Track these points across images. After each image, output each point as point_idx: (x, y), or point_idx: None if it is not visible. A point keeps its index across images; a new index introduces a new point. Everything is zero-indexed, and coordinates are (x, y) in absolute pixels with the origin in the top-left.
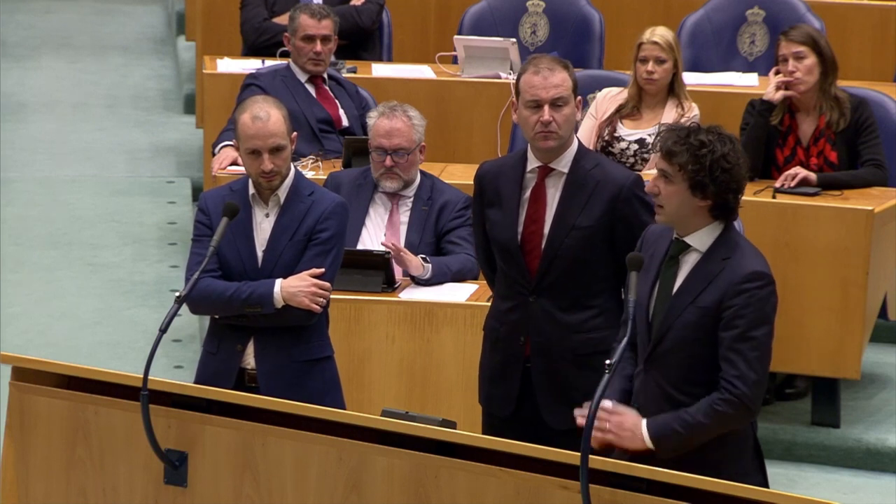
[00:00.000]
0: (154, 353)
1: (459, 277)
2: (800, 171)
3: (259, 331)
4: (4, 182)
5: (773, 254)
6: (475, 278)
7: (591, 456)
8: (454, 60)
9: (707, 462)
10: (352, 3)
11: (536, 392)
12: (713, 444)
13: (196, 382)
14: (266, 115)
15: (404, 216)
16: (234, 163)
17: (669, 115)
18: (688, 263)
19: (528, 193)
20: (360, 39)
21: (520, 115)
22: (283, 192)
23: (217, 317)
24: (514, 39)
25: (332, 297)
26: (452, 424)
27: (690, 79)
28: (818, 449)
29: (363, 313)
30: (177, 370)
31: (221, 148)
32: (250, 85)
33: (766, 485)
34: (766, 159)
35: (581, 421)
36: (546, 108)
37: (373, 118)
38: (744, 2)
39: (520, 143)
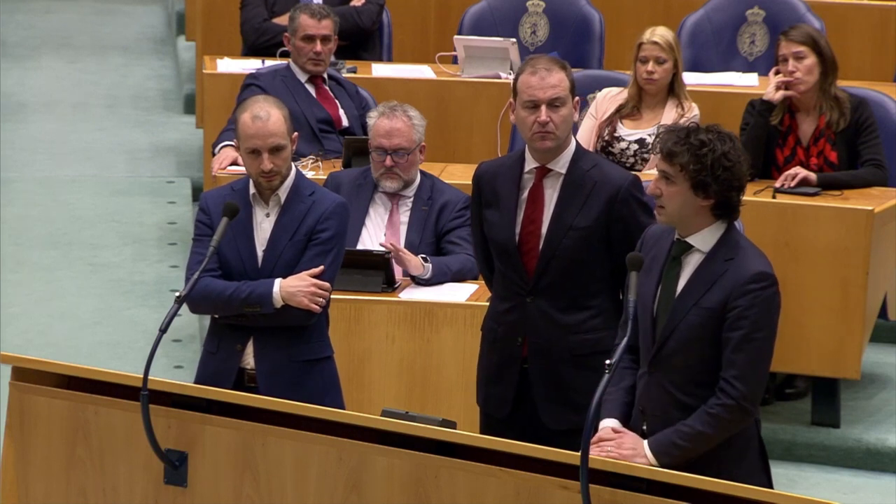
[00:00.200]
0: (154, 353)
1: (459, 277)
2: (800, 171)
3: (258, 330)
4: (4, 182)
5: (773, 254)
6: (475, 278)
7: (590, 456)
8: (454, 60)
9: (711, 463)
10: (352, 3)
11: (534, 393)
12: (717, 444)
13: (196, 382)
14: (266, 115)
15: (404, 216)
16: (234, 163)
17: (669, 115)
18: (690, 264)
19: (525, 194)
20: (360, 40)
21: (517, 116)
22: (283, 192)
23: (217, 316)
24: (514, 39)
25: (332, 297)
26: (452, 424)
27: (690, 79)
28: (818, 449)
29: (363, 313)
30: (177, 370)
31: (221, 148)
32: (250, 85)
33: (769, 486)
34: (766, 159)
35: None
36: (543, 108)
37: (373, 118)
38: (744, 2)
39: (520, 143)
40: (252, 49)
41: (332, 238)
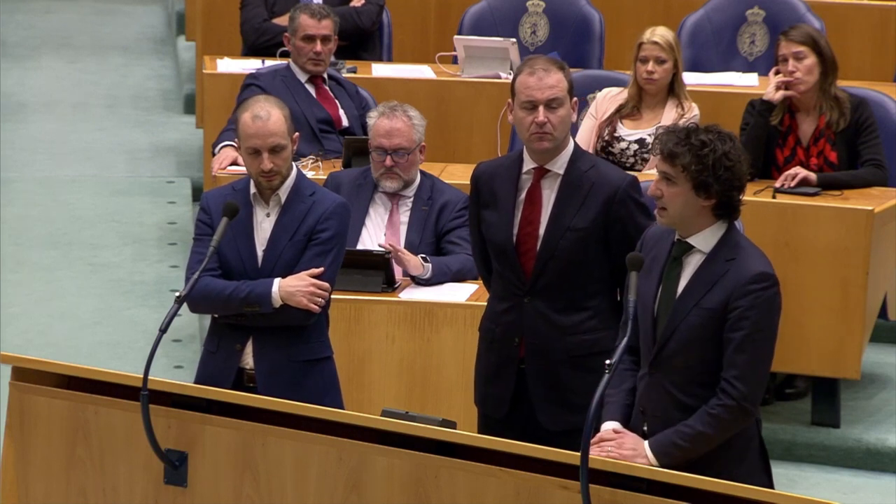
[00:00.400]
0: (154, 353)
1: (459, 277)
2: (800, 171)
3: (258, 330)
4: (4, 182)
5: (773, 254)
6: (475, 278)
7: (590, 456)
8: (454, 60)
9: (711, 463)
10: (352, 3)
11: (531, 393)
12: (718, 445)
13: (196, 382)
14: (266, 115)
15: (404, 216)
16: (234, 163)
17: (669, 115)
18: (691, 265)
19: (523, 195)
20: (360, 40)
21: (515, 116)
22: (284, 192)
23: (217, 316)
24: (514, 39)
25: (332, 297)
26: (452, 424)
27: (690, 79)
28: (818, 449)
29: (363, 313)
30: (177, 370)
31: (221, 148)
32: (250, 85)
33: (770, 486)
34: (766, 159)
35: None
36: (541, 109)
37: (373, 118)
38: (744, 2)
39: (520, 143)
40: (252, 49)
41: (332, 238)
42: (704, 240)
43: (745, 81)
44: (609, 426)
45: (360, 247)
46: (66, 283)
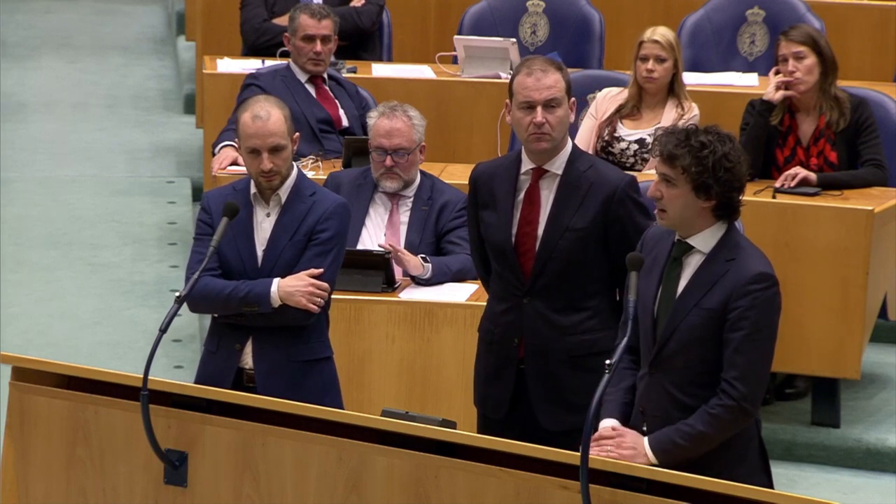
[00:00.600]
0: (154, 353)
1: (459, 277)
2: (800, 171)
3: (257, 330)
4: (4, 182)
5: (773, 254)
6: (475, 278)
7: (590, 456)
8: (454, 60)
9: (711, 463)
10: (352, 4)
11: (531, 394)
12: (718, 445)
13: (196, 382)
14: (266, 115)
15: (404, 216)
16: (234, 163)
17: (669, 115)
18: (691, 265)
19: (522, 195)
20: (360, 40)
21: (513, 117)
22: (284, 192)
23: (217, 316)
24: (514, 39)
25: (332, 297)
26: (452, 424)
27: (690, 79)
28: (818, 449)
29: (363, 313)
30: (177, 370)
31: (221, 148)
32: (250, 85)
33: (770, 486)
34: (766, 159)
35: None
36: (539, 109)
37: (373, 118)
38: (744, 2)
39: (520, 143)
40: (252, 49)
41: (332, 238)
42: (704, 240)
43: (745, 81)
44: (607, 424)
45: (360, 247)
46: (66, 283)
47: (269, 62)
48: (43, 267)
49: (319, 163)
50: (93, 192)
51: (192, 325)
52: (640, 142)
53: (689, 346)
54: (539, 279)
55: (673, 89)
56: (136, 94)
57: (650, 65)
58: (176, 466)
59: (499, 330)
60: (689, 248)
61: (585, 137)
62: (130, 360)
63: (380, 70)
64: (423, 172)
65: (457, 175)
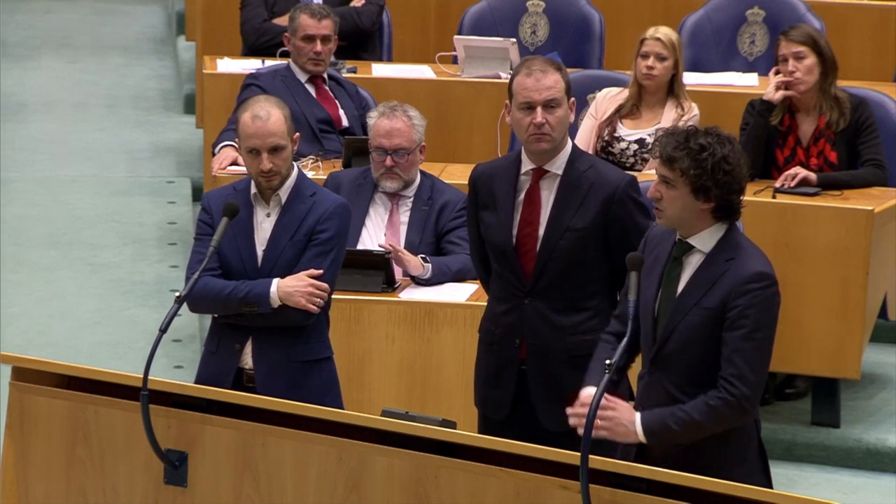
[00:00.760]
0: (154, 353)
1: (459, 277)
2: (800, 171)
3: (257, 330)
4: (4, 182)
5: (773, 254)
6: (475, 278)
7: (591, 456)
8: (454, 60)
9: (711, 463)
10: (352, 3)
11: (532, 394)
12: (717, 445)
13: (196, 382)
14: (266, 115)
15: (404, 216)
16: (234, 163)
17: (669, 115)
18: (691, 265)
19: (522, 196)
20: (360, 40)
21: (513, 118)
22: (284, 193)
23: (217, 316)
24: (514, 39)
25: (332, 297)
26: (452, 424)
27: (690, 79)
28: (818, 449)
29: (363, 313)
30: (177, 370)
31: (221, 148)
32: (250, 85)
33: (769, 487)
34: (766, 159)
35: (573, 421)
36: (539, 109)
37: (373, 118)
38: (744, 2)
39: (520, 143)
40: (252, 49)
41: (332, 238)
42: (704, 240)
43: (745, 81)
44: (588, 392)
45: (360, 247)
46: (66, 283)
47: (269, 62)
48: (43, 267)
49: (319, 163)
50: (93, 192)
51: (192, 325)
52: (640, 142)
53: (689, 346)
54: (540, 279)
55: (673, 89)
56: (136, 94)
57: (650, 62)
58: (176, 466)
59: (499, 331)
60: (690, 248)
61: (585, 137)
62: (130, 360)
63: (380, 70)
64: (423, 172)
65: (457, 175)
